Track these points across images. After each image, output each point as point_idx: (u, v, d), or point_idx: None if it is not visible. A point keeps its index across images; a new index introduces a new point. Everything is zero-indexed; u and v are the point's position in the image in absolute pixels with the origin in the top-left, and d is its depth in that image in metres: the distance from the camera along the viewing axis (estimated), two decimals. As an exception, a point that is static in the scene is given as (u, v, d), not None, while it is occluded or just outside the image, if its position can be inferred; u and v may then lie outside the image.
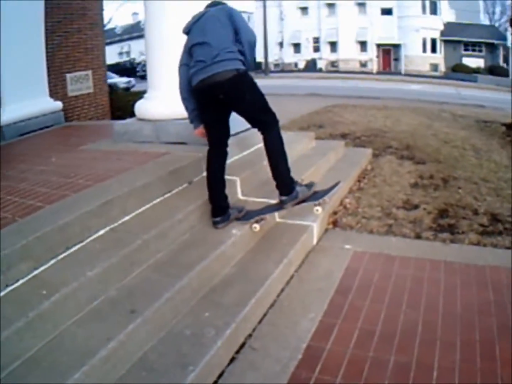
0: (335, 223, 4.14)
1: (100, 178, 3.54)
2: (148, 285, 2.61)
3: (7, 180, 3.79)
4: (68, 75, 8.02)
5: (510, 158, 6.32)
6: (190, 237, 3.20)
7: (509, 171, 5.57)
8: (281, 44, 43.03)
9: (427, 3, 37.58)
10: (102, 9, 8.98)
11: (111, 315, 2.35)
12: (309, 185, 3.38)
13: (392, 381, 2.24)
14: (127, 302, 2.44)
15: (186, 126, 4.34)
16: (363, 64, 39.76)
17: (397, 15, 37.97)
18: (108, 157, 4.31)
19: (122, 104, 9.32)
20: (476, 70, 34.46)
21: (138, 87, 19.33)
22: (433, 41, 38.09)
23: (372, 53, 39.71)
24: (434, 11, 37.98)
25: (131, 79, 24.29)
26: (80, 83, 8.32)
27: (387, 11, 38.38)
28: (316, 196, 3.36)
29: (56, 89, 7.62)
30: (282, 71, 40.29)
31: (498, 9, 39.03)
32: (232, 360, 2.43)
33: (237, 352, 2.49)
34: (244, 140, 4.35)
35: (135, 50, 42.32)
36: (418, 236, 3.88)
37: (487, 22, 39.86)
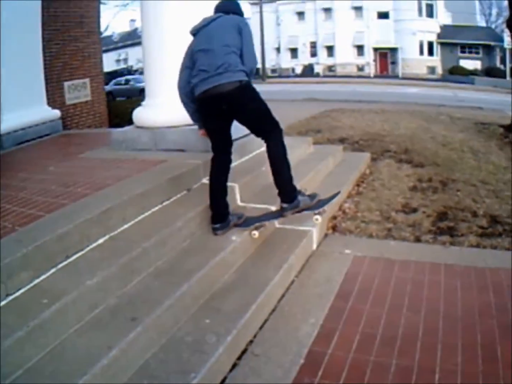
0: (334, 228, 4.14)
1: (98, 186, 3.55)
2: (149, 292, 2.61)
3: (7, 189, 3.80)
4: (66, 83, 8.02)
5: (508, 160, 6.33)
6: (189, 244, 3.20)
7: (507, 173, 5.59)
8: (278, 49, 43.15)
9: (423, 6, 37.76)
10: (99, 17, 8.98)
11: (112, 324, 2.34)
12: (312, 196, 3.39)
13: (394, 385, 2.24)
14: (128, 310, 2.44)
15: (184, 134, 4.38)
16: (360, 68, 39.84)
17: (393, 19, 38.12)
18: (107, 165, 4.32)
19: (120, 112, 9.34)
20: (473, 72, 34.57)
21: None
22: (430, 44, 38.22)
23: (369, 57, 39.81)
24: (430, 14, 38.15)
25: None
26: (78, 91, 8.32)
27: (383, 15, 38.57)
28: (317, 205, 3.37)
29: (54, 97, 7.62)
30: (280, 76, 40.39)
31: (494, 11, 39.29)
32: (234, 366, 2.42)
33: (239, 358, 2.48)
34: (243, 146, 4.36)
35: (132, 57, 42.41)
36: (417, 240, 3.89)
37: (483, 24, 40.03)
